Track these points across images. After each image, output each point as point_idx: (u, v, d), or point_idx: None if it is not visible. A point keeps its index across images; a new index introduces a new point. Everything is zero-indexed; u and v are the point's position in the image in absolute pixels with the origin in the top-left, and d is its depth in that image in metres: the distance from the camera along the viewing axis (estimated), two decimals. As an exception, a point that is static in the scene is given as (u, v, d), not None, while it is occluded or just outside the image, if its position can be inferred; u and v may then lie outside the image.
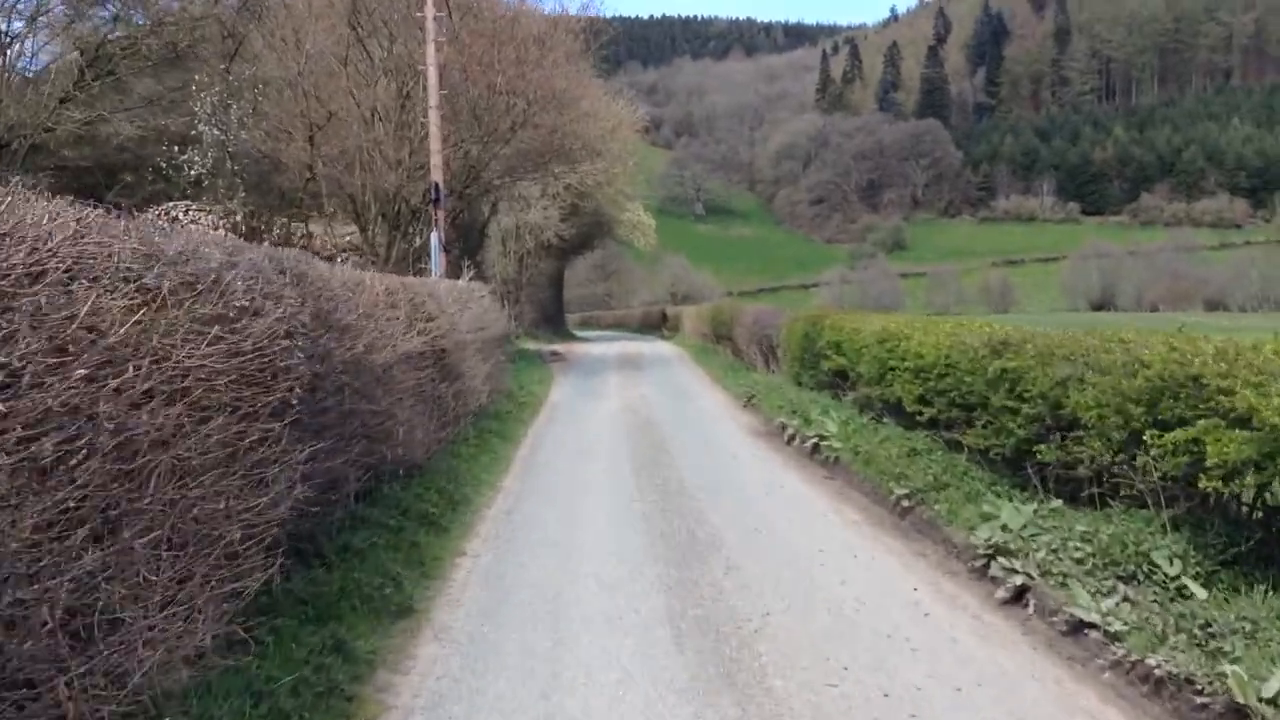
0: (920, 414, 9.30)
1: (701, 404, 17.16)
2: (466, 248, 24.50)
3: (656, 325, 57.41)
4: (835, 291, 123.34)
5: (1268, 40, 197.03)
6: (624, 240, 60.62)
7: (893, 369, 10.19)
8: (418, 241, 20.16)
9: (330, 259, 18.86)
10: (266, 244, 6.97)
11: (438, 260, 17.71)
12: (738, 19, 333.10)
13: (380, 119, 19.65)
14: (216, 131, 16.33)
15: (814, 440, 11.21)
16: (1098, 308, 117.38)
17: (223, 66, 18.43)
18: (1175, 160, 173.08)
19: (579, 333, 58.45)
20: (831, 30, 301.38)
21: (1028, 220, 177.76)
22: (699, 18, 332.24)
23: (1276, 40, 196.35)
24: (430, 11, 17.22)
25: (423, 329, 9.41)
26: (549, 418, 15.35)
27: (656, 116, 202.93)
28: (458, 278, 16.99)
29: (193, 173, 16.28)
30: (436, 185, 17.51)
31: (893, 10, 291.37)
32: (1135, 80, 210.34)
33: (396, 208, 20.64)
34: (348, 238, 21.23)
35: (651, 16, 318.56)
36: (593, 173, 38.96)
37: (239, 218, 16.46)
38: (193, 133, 16.57)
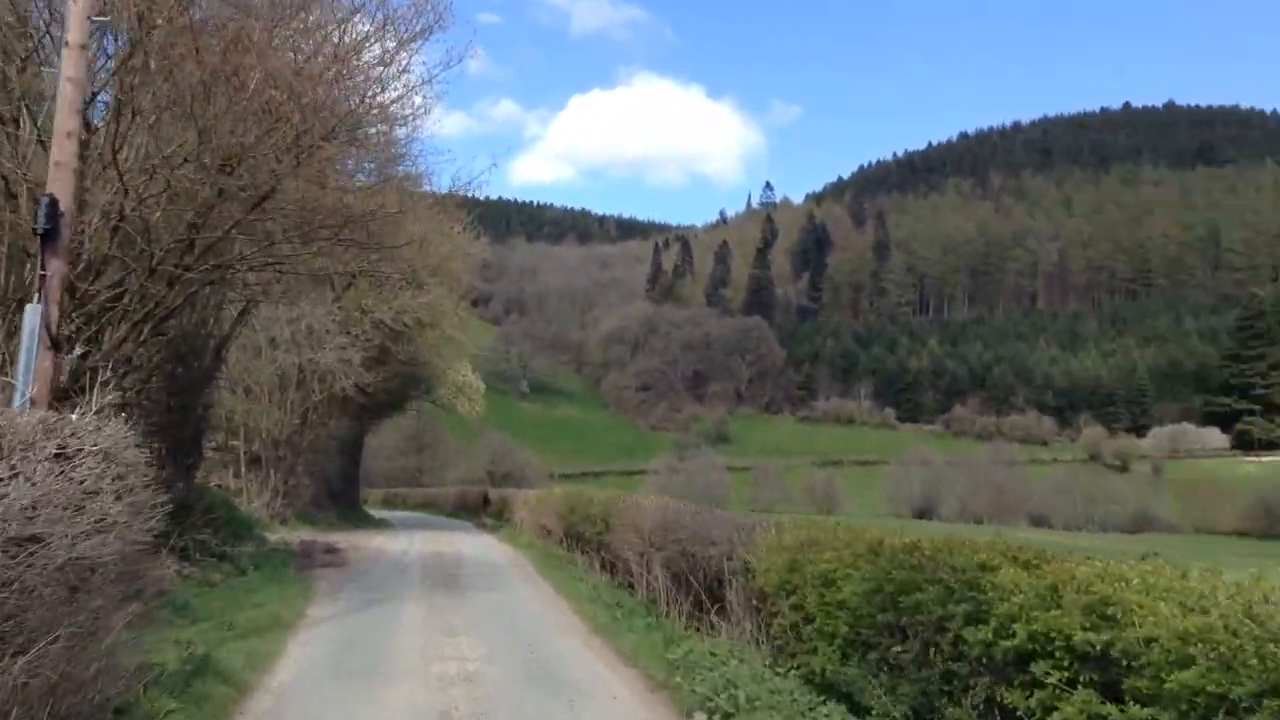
0: None
1: (600, 713, 7.93)
2: (184, 375, 14.81)
3: (476, 509, 47.60)
4: (663, 480, 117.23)
5: (1070, 269, 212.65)
6: (444, 405, 51.19)
7: None
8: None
9: None
10: None
11: (29, 364, 8.13)
12: (573, 209, 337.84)
13: None
14: None
15: None
16: (920, 515, 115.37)
17: None
18: (986, 375, 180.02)
19: (379, 514, 47.57)
20: (663, 228, 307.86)
21: (846, 422, 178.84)
22: (535, 204, 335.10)
23: (1078, 270, 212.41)
24: None
25: None
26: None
27: (487, 292, 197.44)
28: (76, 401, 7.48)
29: None
30: (52, 202, 8.16)
31: (722, 214, 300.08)
32: (948, 297, 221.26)
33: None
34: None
35: (488, 197, 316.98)
36: (413, 308, 29.96)
37: None
38: None
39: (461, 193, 13.42)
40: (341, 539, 24.51)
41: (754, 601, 9.28)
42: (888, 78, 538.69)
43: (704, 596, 11.13)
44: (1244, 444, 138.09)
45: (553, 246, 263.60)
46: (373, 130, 13.76)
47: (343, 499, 38.65)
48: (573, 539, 20.52)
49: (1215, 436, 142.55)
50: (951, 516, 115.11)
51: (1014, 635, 4.77)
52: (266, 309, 25.58)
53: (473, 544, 27.17)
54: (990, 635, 4.94)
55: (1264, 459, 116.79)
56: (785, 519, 10.12)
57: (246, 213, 12.67)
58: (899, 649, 5.94)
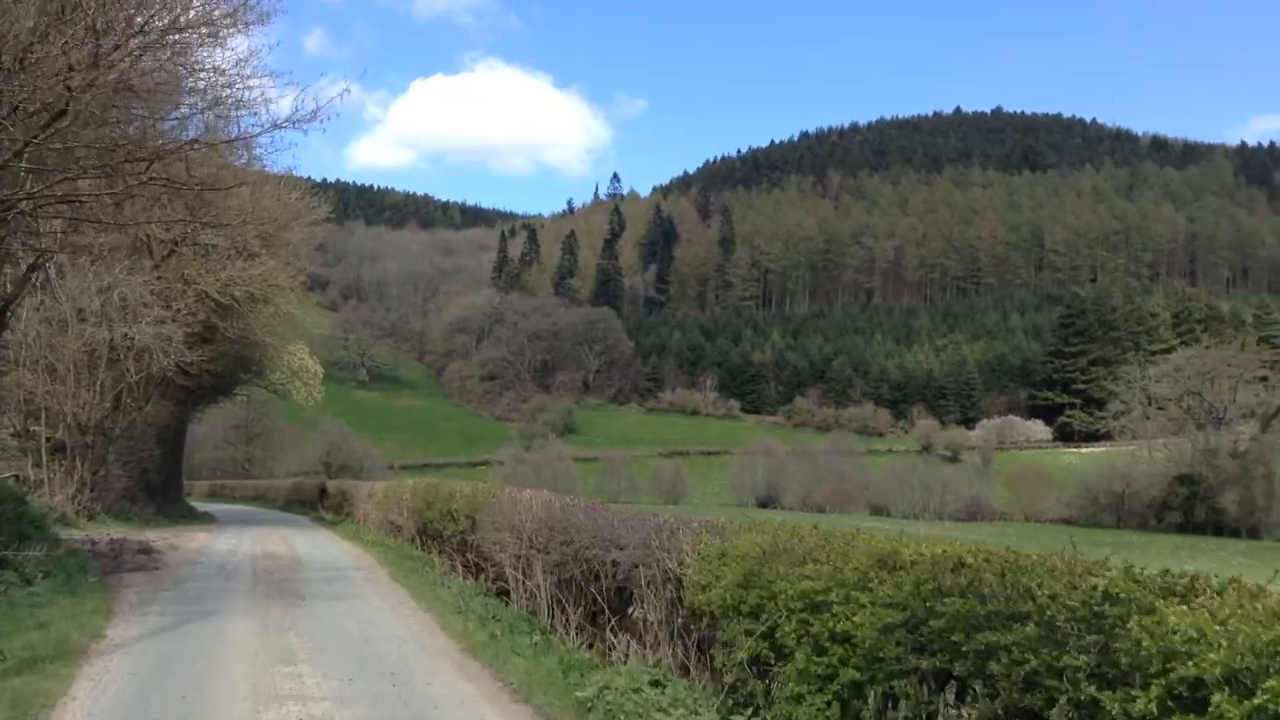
0: None
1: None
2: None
3: (312, 502, 44.34)
4: (509, 471, 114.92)
5: (905, 267, 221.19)
6: (279, 390, 47.47)
7: None
8: None
9: None
10: None
11: None
12: (415, 194, 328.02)
13: None
14: None
15: None
16: (764, 504, 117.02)
17: None
18: (825, 368, 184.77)
19: (204, 507, 43.63)
20: (509, 216, 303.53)
21: (692, 413, 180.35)
22: (374, 187, 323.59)
23: (912, 267, 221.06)
24: None
25: None
26: None
27: (323, 276, 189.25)
28: None
29: None
30: None
31: (569, 204, 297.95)
32: (790, 291, 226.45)
33: None
34: None
35: (325, 180, 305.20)
36: (244, 280, 26.89)
37: None
38: None
39: (305, 125, 11.10)
40: (158, 537, 21.49)
41: (682, 622, 7.54)
42: (732, 77, 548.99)
43: (606, 610, 9.34)
44: (1065, 435, 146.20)
45: (393, 231, 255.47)
46: (194, 39, 11.28)
47: (162, 492, 34.91)
48: (429, 537, 18.36)
49: (1039, 429, 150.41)
50: (795, 505, 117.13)
51: (1208, 709, 3.15)
52: (74, 277, 22.26)
53: (311, 542, 24.51)
54: (1154, 708, 3.32)
55: (1084, 450, 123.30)
56: (722, 517, 8.41)
57: (33, 136, 10.08)
58: (964, 713, 4.22)
